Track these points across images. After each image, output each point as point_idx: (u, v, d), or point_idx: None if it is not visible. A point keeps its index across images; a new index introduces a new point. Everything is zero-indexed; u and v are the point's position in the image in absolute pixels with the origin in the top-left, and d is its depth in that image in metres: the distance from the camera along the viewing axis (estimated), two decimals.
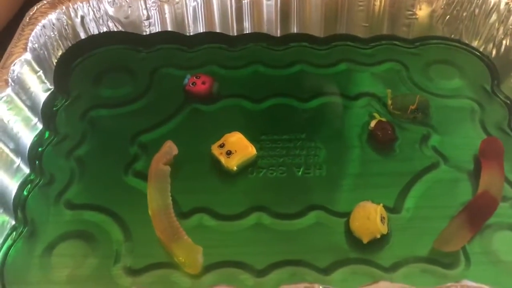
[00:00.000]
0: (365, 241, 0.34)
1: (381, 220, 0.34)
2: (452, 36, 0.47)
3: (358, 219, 0.34)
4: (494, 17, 0.44)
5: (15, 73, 0.39)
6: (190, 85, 0.43)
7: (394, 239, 0.34)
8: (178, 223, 0.34)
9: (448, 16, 0.46)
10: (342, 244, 0.34)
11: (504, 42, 0.44)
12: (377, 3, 0.46)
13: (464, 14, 0.46)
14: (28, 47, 0.41)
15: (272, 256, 0.34)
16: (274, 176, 0.38)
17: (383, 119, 0.40)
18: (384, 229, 0.34)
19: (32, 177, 0.38)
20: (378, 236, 0.34)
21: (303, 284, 0.26)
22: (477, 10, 0.45)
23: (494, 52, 0.45)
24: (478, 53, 0.46)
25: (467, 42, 0.47)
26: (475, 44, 0.46)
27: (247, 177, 0.38)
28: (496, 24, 0.44)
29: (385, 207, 0.35)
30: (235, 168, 0.38)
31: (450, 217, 0.35)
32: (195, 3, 0.46)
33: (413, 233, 0.35)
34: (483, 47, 0.46)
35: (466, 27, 0.46)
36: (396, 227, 0.35)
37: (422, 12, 0.46)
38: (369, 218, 0.33)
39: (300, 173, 0.38)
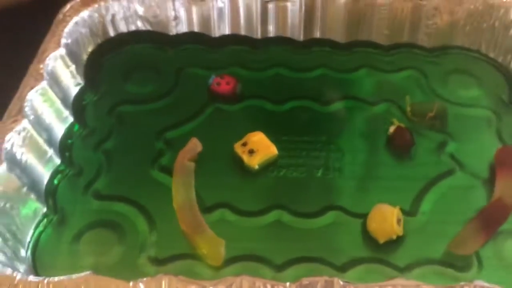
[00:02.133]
0: (381, 241, 0.35)
1: (397, 222, 0.35)
2: (472, 46, 0.48)
3: (375, 220, 0.35)
4: None
5: (50, 67, 0.41)
6: (215, 85, 0.44)
7: (409, 240, 0.35)
8: (202, 216, 0.36)
9: (468, 27, 0.47)
10: (359, 244, 0.35)
11: None
12: (399, 11, 0.47)
13: (484, 25, 0.47)
14: (62, 42, 0.43)
15: (291, 252, 0.35)
16: (294, 176, 0.39)
17: (402, 125, 0.41)
18: (400, 231, 0.35)
19: (62, 167, 0.39)
20: (394, 237, 0.35)
21: (324, 278, 0.28)
22: (497, 23, 0.46)
23: None
24: (497, 64, 0.47)
25: (486, 53, 0.48)
26: (493, 55, 0.47)
27: (268, 175, 0.39)
28: None
29: (401, 210, 0.36)
30: (256, 166, 0.39)
31: (464, 222, 0.36)
32: (221, 4, 0.47)
33: (428, 236, 0.36)
34: (501, 58, 0.47)
35: (485, 38, 0.47)
36: (412, 230, 0.36)
37: (443, 22, 0.47)
38: (386, 219, 0.35)
39: (319, 174, 0.40)
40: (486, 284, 0.28)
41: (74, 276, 0.28)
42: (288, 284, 0.28)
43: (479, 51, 0.48)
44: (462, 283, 0.28)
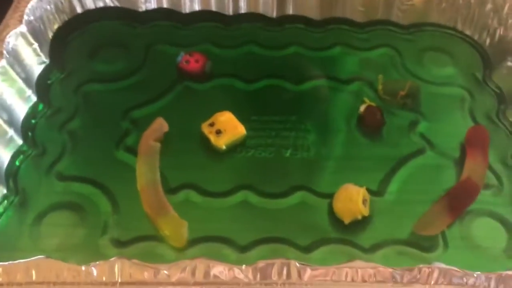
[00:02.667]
0: (346, 222, 0.34)
1: (363, 202, 0.35)
2: (448, 23, 0.47)
3: (341, 200, 0.35)
4: (489, 6, 0.44)
5: (10, 45, 0.40)
6: (184, 63, 0.43)
7: (375, 221, 0.35)
8: (166, 198, 0.35)
9: (444, 4, 0.46)
10: (324, 224, 0.35)
11: (498, 31, 0.44)
12: None
13: (460, 2, 0.46)
14: (24, 20, 0.41)
15: (256, 233, 0.34)
16: (262, 156, 0.39)
17: (373, 104, 0.41)
18: (365, 211, 0.34)
19: (24, 148, 0.38)
20: (359, 217, 0.34)
21: (280, 260, 0.27)
22: None
23: (488, 41, 0.45)
24: (472, 42, 0.46)
25: (462, 30, 0.47)
26: (469, 32, 0.46)
27: (236, 156, 0.39)
28: (491, 14, 0.44)
29: (368, 190, 0.36)
30: (224, 147, 0.38)
31: (432, 202, 0.36)
32: None
33: (395, 216, 0.35)
34: (477, 35, 0.46)
35: (461, 15, 0.46)
36: (378, 210, 0.36)
37: None
38: (351, 199, 0.34)
39: (288, 154, 0.39)
40: (444, 266, 0.27)
41: (25, 260, 0.28)
42: (243, 266, 0.27)
43: (455, 28, 0.47)
44: (421, 266, 0.27)
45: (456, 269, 0.27)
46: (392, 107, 0.41)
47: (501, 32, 0.44)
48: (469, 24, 0.46)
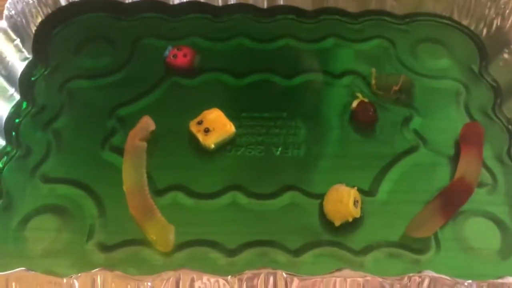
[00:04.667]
0: (337, 224, 0.34)
1: (355, 203, 0.34)
2: (444, 13, 0.46)
3: (331, 202, 0.34)
4: None
5: None
6: (171, 57, 0.42)
7: (367, 222, 0.34)
8: (152, 200, 0.34)
9: None
10: (315, 226, 0.34)
11: (495, 21, 0.43)
12: None
13: None
14: (4, 15, 0.40)
15: (245, 236, 0.34)
16: (252, 155, 0.38)
17: (365, 99, 0.40)
18: (356, 213, 0.34)
19: (8, 149, 0.37)
20: (350, 219, 0.34)
21: (267, 270, 0.27)
22: None
23: (484, 31, 0.44)
24: (469, 32, 0.45)
25: (458, 20, 0.45)
26: (466, 22, 0.45)
27: (225, 155, 0.38)
28: (488, 3, 0.43)
29: (360, 189, 0.35)
30: (212, 146, 0.38)
31: (425, 202, 0.35)
32: None
33: (387, 217, 0.35)
34: (474, 26, 0.45)
35: (457, 5, 0.45)
36: (370, 211, 0.35)
37: None
38: (342, 201, 0.33)
39: (278, 152, 0.38)
40: (435, 274, 0.27)
41: (5, 273, 0.27)
42: (229, 277, 0.27)
43: (451, 18, 0.45)
44: (411, 274, 0.27)
45: (447, 277, 0.27)
46: (386, 102, 0.40)
47: (498, 23, 0.42)
48: (465, 14, 0.45)
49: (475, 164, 0.36)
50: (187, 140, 0.38)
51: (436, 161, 0.37)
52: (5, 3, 0.41)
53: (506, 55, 0.41)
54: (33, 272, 0.27)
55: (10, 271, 0.27)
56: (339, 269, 0.27)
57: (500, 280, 0.27)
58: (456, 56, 0.43)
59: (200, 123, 0.38)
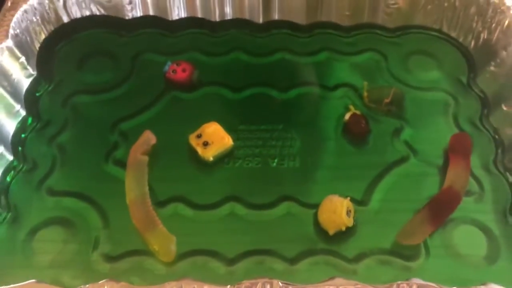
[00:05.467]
0: (331, 233, 0.35)
1: (347, 213, 0.35)
2: (433, 25, 0.47)
3: (325, 212, 0.36)
4: (473, 9, 0.45)
5: None
6: (171, 72, 0.44)
7: (360, 231, 0.36)
8: (154, 212, 0.36)
9: (430, 6, 0.46)
10: (310, 235, 0.36)
11: (482, 35, 0.44)
12: None
13: (446, 4, 0.46)
14: (9, 34, 0.41)
15: (243, 245, 0.35)
16: (250, 166, 0.39)
17: (358, 112, 0.41)
18: (349, 222, 0.35)
19: (15, 163, 0.39)
20: (343, 228, 0.35)
21: (263, 280, 0.28)
22: (457, 2, 0.45)
23: (472, 43, 0.46)
24: (458, 44, 0.46)
25: (447, 32, 0.47)
26: (455, 34, 0.47)
27: (223, 167, 0.39)
28: (476, 17, 0.45)
29: (353, 199, 0.37)
30: (211, 158, 0.39)
31: (416, 211, 0.36)
32: None
33: (379, 225, 0.36)
34: (462, 38, 0.46)
35: (446, 18, 0.46)
36: (363, 220, 0.36)
37: (404, 1, 0.46)
38: (335, 211, 0.35)
39: (274, 164, 0.40)
40: (422, 281, 0.28)
41: (17, 285, 0.29)
42: (228, 287, 0.28)
43: (441, 30, 0.47)
44: (399, 282, 0.28)
45: (434, 285, 0.28)
46: (377, 114, 0.42)
47: (485, 36, 0.44)
48: (454, 26, 0.46)
49: (463, 174, 0.38)
50: (187, 153, 0.40)
51: (426, 171, 0.39)
52: (10, 22, 0.42)
53: (493, 68, 0.43)
54: (43, 283, 0.29)
55: (21, 283, 0.29)
56: (331, 278, 0.29)
57: (483, 287, 0.28)
58: (445, 68, 0.45)
59: (199, 136, 0.40)
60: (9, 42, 0.41)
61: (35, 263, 0.35)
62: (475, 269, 0.34)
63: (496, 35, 0.43)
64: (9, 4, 0.43)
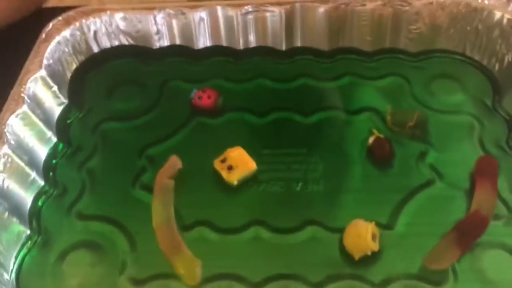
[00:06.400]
0: (356, 257, 0.35)
1: (373, 238, 0.35)
2: (456, 49, 0.47)
3: (350, 236, 0.35)
4: (496, 32, 0.45)
5: (31, 90, 0.42)
6: (197, 99, 0.45)
7: (385, 255, 0.36)
8: (180, 236, 0.37)
9: (452, 30, 0.47)
10: (336, 260, 0.36)
11: (506, 57, 0.44)
12: (380, 17, 0.46)
13: (468, 28, 0.46)
14: (43, 64, 0.43)
15: (268, 269, 0.35)
16: (273, 190, 0.40)
17: (381, 135, 0.41)
18: (374, 247, 0.35)
19: (46, 188, 0.40)
20: (369, 253, 0.35)
21: None
22: (480, 25, 0.45)
23: (497, 66, 0.45)
24: (481, 67, 0.46)
25: (471, 55, 0.47)
26: (478, 57, 0.47)
27: (248, 191, 0.40)
28: (499, 40, 0.45)
29: (378, 223, 0.36)
30: (235, 182, 0.40)
31: (442, 235, 0.36)
32: (202, 17, 0.47)
33: (405, 250, 0.36)
34: (486, 61, 0.46)
35: (470, 41, 0.47)
36: (388, 244, 0.36)
37: (426, 26, 0.47)
38: (360, 236, 0.35)
39: (298, 188, 0.40)
40: None
41: None
42: None
43: (464, 54, 0.47)
44: None
45: None
46: (401, 137, 0.42)
47: (510, 59, 0.44)
48: (477, 49, 0.46)
49: (490, 197, 0.37)
50: (212, 177, 0.40)
51: (452, 195, 0.38)
52: (44, 52, 0.44)
53: None
54: None
55: None
56: None
57: None
58: (469, 90, 0.45)
59: (223, 161, 0.40)
60: (43, 72, 0.43)
61: (64, 286, 0.35)
62: None
63: None
64: (43, 36, 0.46)
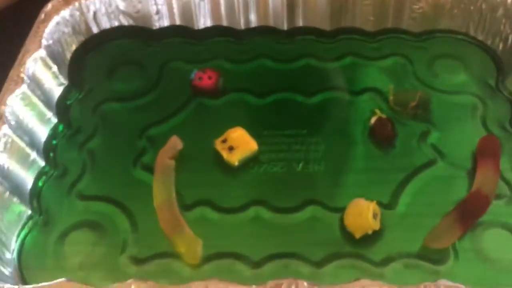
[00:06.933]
0: (357, 236, 0.35)
1: (374, 216, 0.35)
2: (459, 29, 0.47)
3: (351, 215, 0.35)
4: (501, 11, 0.44)
5: (30, 70, 0.41)
6: (197, 79, 0.44)
7: (386, 234, 0.36)
8: (181, 215, 0.37)
9: (456, 10, 0.46)
10: (336, 239, 0.36)
11: (510, 37, 0.44)
12: None
13: (472, 7, 0.45)
14: (42, 44, 0.43)
15: (268, 248, 0.35)
16: (274, 171, 0.40)
17: (383, 115, 0.41)
18: (376, 225, 0.35)
19: (46, 169, 0.40)
20: (370, 232, 0.35)
21: (288, 280, 0.28)
22: (484, 5, 0.45)
23: (501, 46, 0.45)
24: (485, 47, 0.46)
25: (474, 35, 0.46)
26: (482, 37, 0.46)
27: (248, 171, 0.40)
28: (503, 19, 0.44)
29: (380, 203, 0.36)
30: (236, 163, 0.39)
31: (443, 214, 0.36)
32: None
33: (405, 229, 0.36)
34: (490, 41, 0.46)
35: (473, 21, 0.46)
36: (389, 223, 0.36)
37: (429, 5, 0.46)
38: (361, 215, 0.35)
39: (299, 168, 0.40)
40: (450, 282, 0.28)
41: (48, 283, 0.29)
42: (254, 287, 0.28)
43: (467, 34, 0.47)
44: (426, 283, 0.28)
45: (462, 286, 0.28)
46: (404, 117, 0.42)
47: None
48: (481, 29, 0.46)
49: (492, 176, 0.37)
50: (213, 158, 0.40)
51: (454, 174, 0.38)
52: (43, 33, 0.44)
53: None
54: (73, 282, 0.29)
55: (52, 282, 0.30)
56: (357, 279, 0.29)
57: None
58: (472, 71, 0.45)
59: (224, 141, 0.40)
60: (42, 52, 0.43)
61: (65, 265, 0.35)
62: (506, 273, 0.33)
63: None
64: (42, 16, 0.45)
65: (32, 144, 0.40)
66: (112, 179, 0.40)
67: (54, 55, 0.44)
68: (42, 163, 0.40)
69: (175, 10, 0.48)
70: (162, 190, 0.38)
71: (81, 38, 0.48)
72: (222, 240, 0.36)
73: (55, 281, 0.30)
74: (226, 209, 0.38)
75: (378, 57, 0.46)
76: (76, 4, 0.46)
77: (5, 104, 0.38)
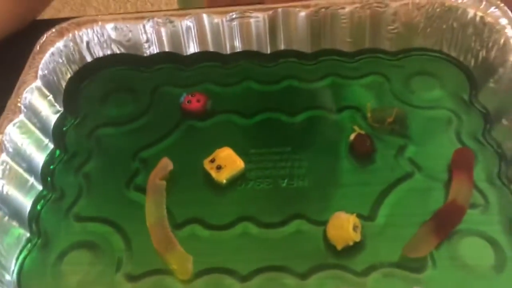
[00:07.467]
0: (339, 248, 0.37)
1: (354, 229, 0.37)
2: (434, 47, 0.49)
3: (333, 228, 0.37)
4: (470, 29, 0.46)
5: (27, 100, 0.44)
6: (186, 103, 0.47)
7: (367, 245, 0.37)
8: (172, 234, 0.38)
9: (429, 29, 0.48)
10: (320, 251, 0.38)
11: (480, 53, 0.46)
12: (359, 19, 0.48)
13: (444, 26, 0.48)
14: (38, 75, 0.45)
15: (256, 262, 0.37)
16: (261, 187, 0.42)
17: (362, 132, 0.43)
18: (356, 237, 0.37)
19: (44, 193, 0.42)
20: (351, 243, 0.37)
21: None
22: (455, 23, 0.47)
23: (472, 62, 0.47)
24: (458, 63, 0.48)
25: (448, 52, 0.49)
26: (455, 54, 0.48)
27: (236, 189, 0.42)
28: (473, 36, 0.46)
29: (360, 215, 0.38)
30: (224, 181, 0.42)
31: (421, 224, 0.38)
32: (189, 24, 0.49)
33: (385, 239, 0.38)
34: (462, 57, 0.48)
35: (446, 39, 0.48)
36: (370, 234, 0.38)
37: (403, 26, 0.48)
38: (342, 227, 0.37)
39: (284, 184, 0.42)
40: None
41: None
42: None
43: (441, 51, 0.49)
44: None
45: None
46: (382, 133, 0.44)
47: (484, 54, 0.46)
48: (454, 46, 0.48)
49: (466, 187, 0.39)
50: (202, 177, 0.42)
51: (431, 186, 0.40)
52: (38, 64, 0.46)
53: (492, 84, 0.44)
54: None
55: None
56: None
57: None
58: (447, 86, 0.47)
59: (212, 161, 0.42)
60: (38, 82, 0.45)
61: (63, 284, 0.37)
62: (482, 279, 0.35)
63: (493, 53, 0.45)
64: (37, 47, 0.48)
65: (30, 169, 0.42)
66: (107, 200, 0.42)
67: (50, 84, 0.47)
68: (40, 187, 0.42)
69: (164, 38, 0.50)
70: (154, 210, 0.40)
71: (75, 67, 0.50)
72: (212, 256, 0.38)
73: None
74: (215, 226, 0.40)
75: (357, 76, 0.48)
76: (70, 35, 0.49)
77: (3, 133, 0.41)
